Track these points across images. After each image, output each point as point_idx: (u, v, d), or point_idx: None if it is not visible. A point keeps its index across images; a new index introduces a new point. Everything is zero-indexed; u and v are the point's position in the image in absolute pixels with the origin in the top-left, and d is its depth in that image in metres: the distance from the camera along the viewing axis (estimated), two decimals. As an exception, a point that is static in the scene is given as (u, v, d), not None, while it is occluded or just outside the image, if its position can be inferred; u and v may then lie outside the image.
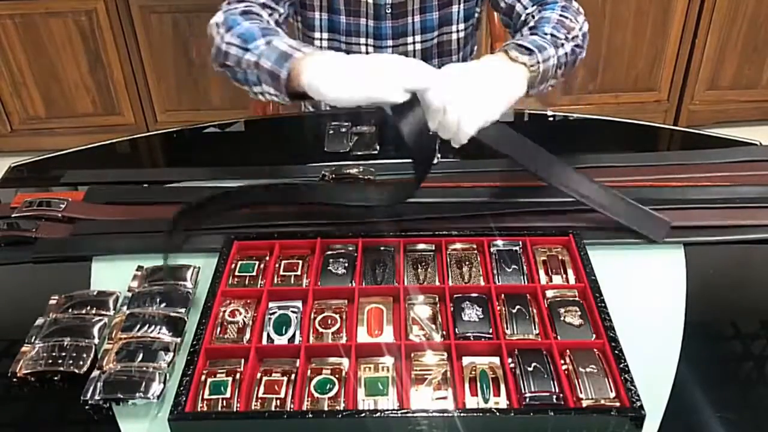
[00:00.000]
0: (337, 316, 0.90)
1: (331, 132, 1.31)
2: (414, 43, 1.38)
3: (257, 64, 1.02)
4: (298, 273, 0.97)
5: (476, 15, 1.42)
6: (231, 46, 1.06)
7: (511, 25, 1.30)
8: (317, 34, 1.37)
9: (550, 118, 1.47)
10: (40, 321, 0.92)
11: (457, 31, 1.40)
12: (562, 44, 1.11)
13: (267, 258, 1.00)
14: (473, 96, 0.94)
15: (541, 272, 0.97)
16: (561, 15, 1.16)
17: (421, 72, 0.91)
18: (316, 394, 0.80)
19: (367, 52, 1.37)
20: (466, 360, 0.84)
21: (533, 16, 1.20)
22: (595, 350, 0.84)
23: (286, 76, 0.98)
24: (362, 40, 1.37)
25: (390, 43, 1.37)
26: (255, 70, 1.03)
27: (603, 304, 0.88)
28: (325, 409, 0.79)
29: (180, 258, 1.01)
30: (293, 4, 1.30)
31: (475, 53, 1.52)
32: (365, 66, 0.92)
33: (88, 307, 0.93)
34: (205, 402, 0.79)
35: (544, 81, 1.08)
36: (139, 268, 1.00)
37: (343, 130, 1.31)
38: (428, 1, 1.33)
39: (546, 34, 1.11)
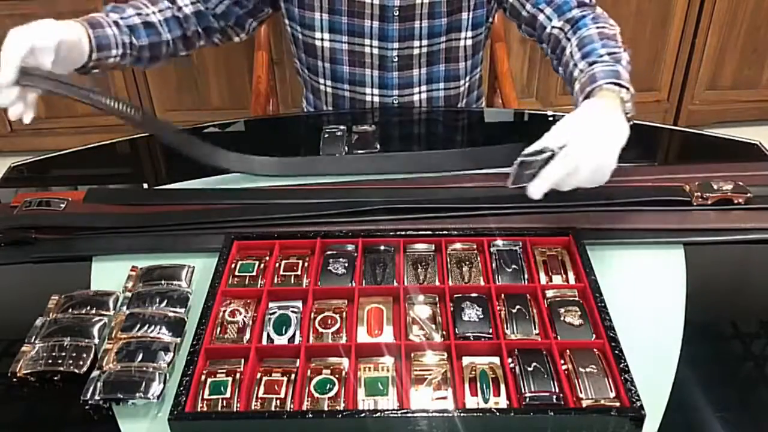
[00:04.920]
0: (337, 316, 0.90)
1: (327, 136, 1.29)
2: (420, 47, 1.37)
3: None
4: (298, 273, 0.97)
5: (487, 24, 1.42)
6: None
7: (535, 35, 1.29)
8: (318, 34, 1.36)
9: (550, 118, 1.47)
10: (40, 321, 0.92)
11: (466, 38, 1.39)
12: (621, 56, 1.11)
13: (267, 258, 1.00)
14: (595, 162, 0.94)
15: (541, 272, 0.97)
16: (599, 29, 1.14)
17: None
18: (316, 394, 0.80)
19: (371, 54, 1.37)
20: (466, 360, 0.84)
21: (566, 36, 1.18)
22: (595, 350, 0.84)
23: None
24: (366, 41, 1.36)
25: (396, 45, 1.36)
26: None
27: (603, 304, 0.88)
28: (325, 409, 0.79)
29: (180, 257, 1.02)
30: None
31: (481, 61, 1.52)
32: None
33: (88, 307, 0.93)
34: (205, 402, 0.79)
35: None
36: (134, 268, 1.00)
37: (339, 134, 1.29)
38: (437, 6, 1.32)
39: (603, 55, 1.09)
